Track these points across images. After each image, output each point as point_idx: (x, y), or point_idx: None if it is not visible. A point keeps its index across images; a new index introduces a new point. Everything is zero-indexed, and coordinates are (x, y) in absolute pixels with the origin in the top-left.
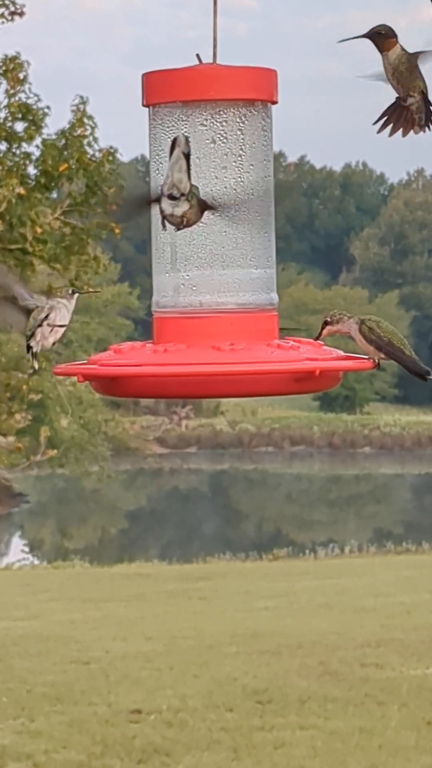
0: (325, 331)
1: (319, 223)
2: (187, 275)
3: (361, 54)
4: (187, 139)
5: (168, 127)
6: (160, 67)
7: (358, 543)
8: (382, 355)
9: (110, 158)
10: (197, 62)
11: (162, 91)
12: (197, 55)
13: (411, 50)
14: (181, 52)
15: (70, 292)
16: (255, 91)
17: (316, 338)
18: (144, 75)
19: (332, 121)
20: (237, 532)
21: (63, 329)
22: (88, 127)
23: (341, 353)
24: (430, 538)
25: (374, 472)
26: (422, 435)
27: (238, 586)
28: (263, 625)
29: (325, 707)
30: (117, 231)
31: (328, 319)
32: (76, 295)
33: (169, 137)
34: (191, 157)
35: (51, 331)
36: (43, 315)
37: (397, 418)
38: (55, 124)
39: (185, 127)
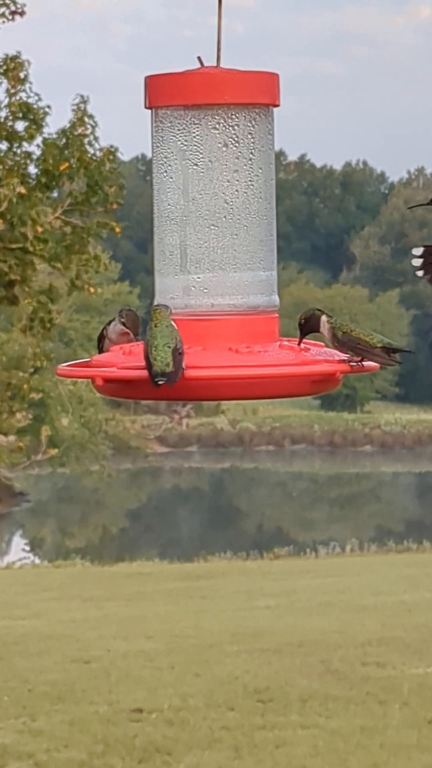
0: (305, 335)
1: (319, 221)
2: (198, 277)
3: (359, 54)
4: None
5: (177, 130)
6: (158, 66)
7: (359, 541)
8: (356, 357)
9: (111, 157)
10: (197, 63)
11: (172, 93)
12: (199, 58)
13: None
14: (178, 51)
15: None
16: (265, 95)
17: (298, 343)
18: (150, 77)
19: (332, 119)
20: (238, 531)
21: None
22: (88, 126)
23: (342, 355)
24: (431, 537)
25: (375, 471)
26: (423, 433)
27: (239, 584)
28: (264, 623)
29: (327, 706)
30: (117, 230)
31: (302, 322)
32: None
33: (178, 140)
34: (203, 160)
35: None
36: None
37: (397, 417)
38: (55, 123)
39: (197, 131)
